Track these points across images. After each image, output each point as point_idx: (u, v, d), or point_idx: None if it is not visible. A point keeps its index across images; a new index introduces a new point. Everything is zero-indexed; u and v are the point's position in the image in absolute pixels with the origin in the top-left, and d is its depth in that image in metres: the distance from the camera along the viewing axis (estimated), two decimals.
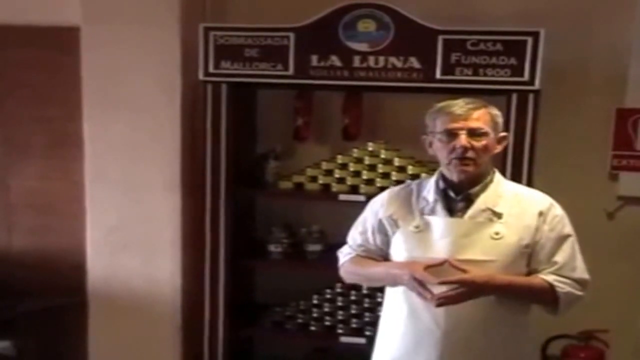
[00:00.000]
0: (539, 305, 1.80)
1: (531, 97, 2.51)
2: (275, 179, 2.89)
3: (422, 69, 2.56)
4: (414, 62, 2.56)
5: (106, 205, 2.89)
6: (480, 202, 1.74)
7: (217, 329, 2.83)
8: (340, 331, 2.83)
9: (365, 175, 2.76)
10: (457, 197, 1.76)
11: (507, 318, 1.74)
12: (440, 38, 2.53)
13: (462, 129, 1.69)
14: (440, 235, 1.73)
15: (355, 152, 2.81)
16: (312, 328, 2.88)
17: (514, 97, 2.53)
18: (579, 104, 2.88)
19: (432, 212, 1.77)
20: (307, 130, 2.94)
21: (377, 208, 1.88)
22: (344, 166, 2.81)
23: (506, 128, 2.52)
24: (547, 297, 1.73)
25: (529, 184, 2.55)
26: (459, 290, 1.61)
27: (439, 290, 1.62)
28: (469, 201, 1.75)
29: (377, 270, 1.84)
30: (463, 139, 1.69)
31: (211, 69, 2.68)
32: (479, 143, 1.70)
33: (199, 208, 2.78)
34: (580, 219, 2.91)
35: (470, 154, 1.69)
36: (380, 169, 2.76)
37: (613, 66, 2.85)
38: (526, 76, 2.49)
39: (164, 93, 2.78)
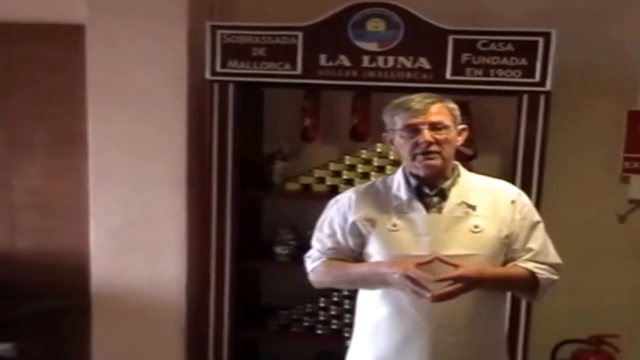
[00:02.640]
0: (519, 293, 1.93)
1: (542, 98, 2.56)
2: (282, 180, 2.94)
3: (432, 69, 2.60)
4: (424, 62, 2.61)
5: (110, 206, 2.93)
6: (454, 196, 1.79)
7: (222, 332, 2.88)
8: (347, 335, 2.86)
9: (373, 177, 2.79)
10: (431, 193, 1.80)
11: (491, 308, 1.83)
12: (451, 38, 2.57)
13: (423, 123, 1.74)
14: (421, 232, 1.76)
15: (364, 153, 2.86)
16: (319, 331, 2.93)
17: (525, 98, 2.57)
18: (590, 106, 2.92)
19: (409, 209, 1.80)
20: (315, 131, 2.99)
21: (345, 210, 1.88)
22: (352, 167, 2.86)
23: (517, 129, 2.60)
24: (529, 284, 1.81)
25: (540, 186, 2.60)
26: (455, 285, 1.66)
27: (433, 287, 1.66)
28: (443, 196, 1.80)
29: (360, 270, 1.85)
30: (426, 134, 1.73)
31: (218, 68, 2.73)
32: (441, 136, 1.75)
33: (205, 209, 2.82)
34: (591, 222, 3.00)
35: (434, 147, 1.74)
36: (389, 170, 2.79)
37: (625, 68, 2.89)
38: (537, 77, 2.53)
39: (170, 92, 2.83)
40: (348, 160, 2.87)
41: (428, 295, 1.66)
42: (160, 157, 2.87)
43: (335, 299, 2.93)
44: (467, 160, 2.90)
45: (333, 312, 2.93)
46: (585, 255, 3.01)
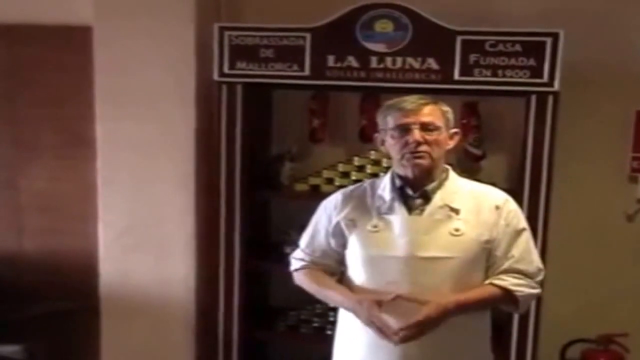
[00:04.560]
0: (499, 307, 1.91)
1: (550, 98, 2.62)
2: (290, 181, 3.00)
3: (440, 70, 2.65)
4: (432, 63, 2.66)
5: (118, 206, 2.99)
6: (438, 199, 1.83)
7: (232, 333, 2.93)
8: None
9: None
10: (414, 194, 1.84)
11: (467, 319, 1.82)
12: (459, 39, 2.63)
13: (414, 123, 1.78)
14: (400, 233, 1.81)
15: (372, 154, 2.92)
16: (328, 332, 2.98)
17: (533, 98, 2.63)
18: (598, 106, 2.98)
19: (390, 210, 1.84)
20: (323, 132, 3.04)
21: (331, 211, 1.95)
22: (360, 168, 2.92)
23: (525, 130, 2.67)
24: (507, 301, 1.83)
25: (548, 186, 2.66)
26: (419, 328, 1.71)
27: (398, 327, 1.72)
28: (426, 198, 1.84)
29: (333, 296, 1.91)
30: (416, 133, 1.77)
31: (226, 70, 2.78)
32: (431, 137, 1.79)
33: (213, 209, 2.88)
34: (599, 222, 3.07)
35: (423, 147, 1.78)
36: None
37: (633, 68, 2.95)
38: (545, 77, 2.59)
39: (178, 93, 2.89)
40: (357, 161, 2.93)
41: (392, 341, 1.73)
42: (168, 158, 2.93)
43: None
44: (476, 160, 2.99)
45: None
46: (593, 255, 3.09)
